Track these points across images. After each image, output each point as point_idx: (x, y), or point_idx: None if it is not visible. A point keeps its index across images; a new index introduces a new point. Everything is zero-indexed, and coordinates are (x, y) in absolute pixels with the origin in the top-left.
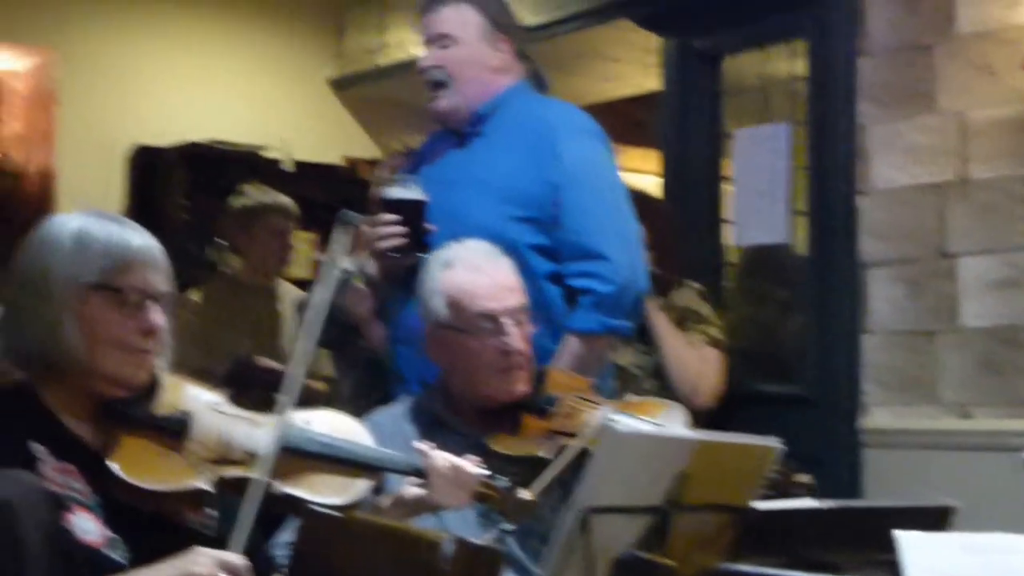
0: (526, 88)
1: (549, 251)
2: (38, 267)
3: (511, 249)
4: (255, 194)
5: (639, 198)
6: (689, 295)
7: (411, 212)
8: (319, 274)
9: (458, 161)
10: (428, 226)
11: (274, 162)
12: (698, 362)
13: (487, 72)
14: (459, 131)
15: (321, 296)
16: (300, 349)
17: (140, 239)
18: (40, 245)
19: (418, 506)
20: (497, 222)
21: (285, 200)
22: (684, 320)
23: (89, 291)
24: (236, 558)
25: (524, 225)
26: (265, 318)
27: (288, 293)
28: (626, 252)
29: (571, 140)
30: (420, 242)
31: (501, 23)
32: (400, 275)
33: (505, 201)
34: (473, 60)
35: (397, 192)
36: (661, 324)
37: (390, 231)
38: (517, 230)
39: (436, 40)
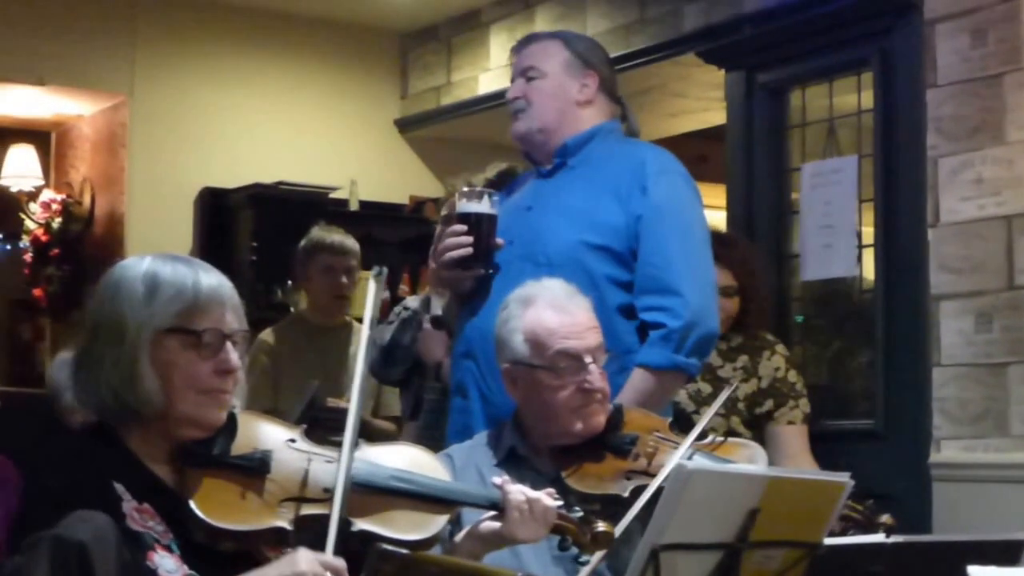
0: (617, 128)
1: (623, 284)
2: (111, 314)
3: (586, 277)
4: (315, 233)
5: (725, 240)
6: (778, 362)
7: (479, 225)
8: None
9: (542, 189)
10: (496, 241)
11: (340, 202)
12: (800, 448)
13: (570, 104)
14: (544, 162)
15: (364, 349)
16: (356, 387)
17: (211, 279)
18: (112, 291)
19: (495, 539)
20: (574, 247)
21: (339, 239)
22: (776, 395)
23: (165, 335)
24: (336, 559)
25: (601, 254)
26: (335, 357)
27: (361, 334)
28: (700, 291)
29: (661, 177)
30: (486, 256)
31: (588, 60)
32: (465, 288)
33: (585, 228)
34: (554, 91)
35: (468, 205)
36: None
37: (456, 241)
38: (593, 258)
39: (523, 73)
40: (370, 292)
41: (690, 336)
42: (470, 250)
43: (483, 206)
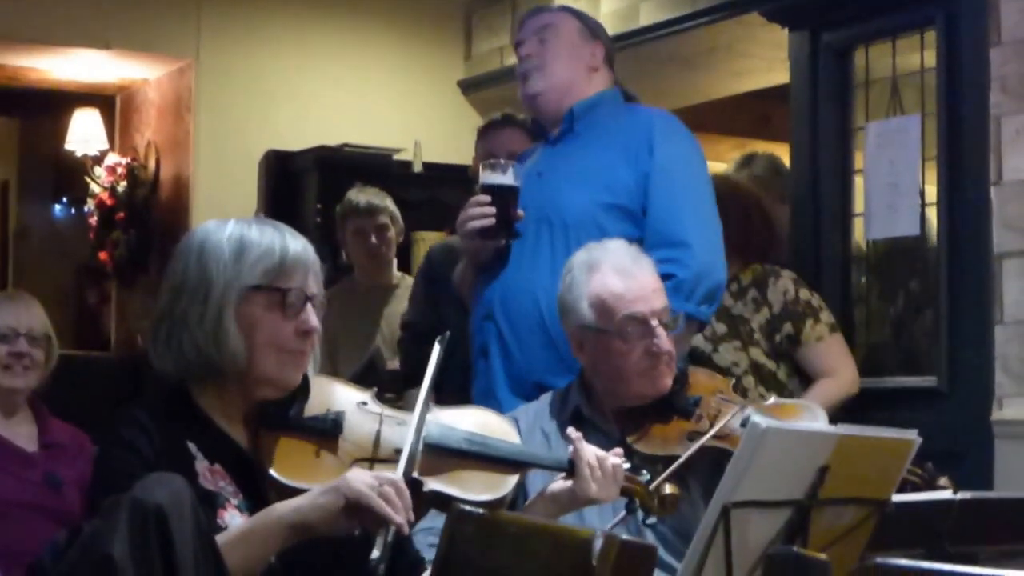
0: (619, 95)
1: (636, 242)
2: (197, 273)
3: (600, 236)
4: (346, 196)
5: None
6: (785, 286)
7: (502, 196)
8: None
9: (552, 156)
10: (517, 212)
11: (404, 164)
12: (840, 360)
13: (580, 68)
14: (551, 127)
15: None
16: (433, 359)
17: (297, 243)
18: (196, 252)
19: (567, 500)
20: (588, 208)
21: (366, 199)
22: (792, 316)
23: (251, 293)
24: (394, 476)
25: (615, 212)
26: (382, 318)
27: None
28: (707, 243)
29: (666, 136)
30: (507, 226)
31: (595, 31)
32: (485, 258)
33: (598, 189)
34: (567, 53)
35: (490, 176)
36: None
37: (479, 212)
38: (607, 217)
39: (535, 33)
40: (433, 355)
41: (700, 285)
42: (493, 220)
43: (507, 178)
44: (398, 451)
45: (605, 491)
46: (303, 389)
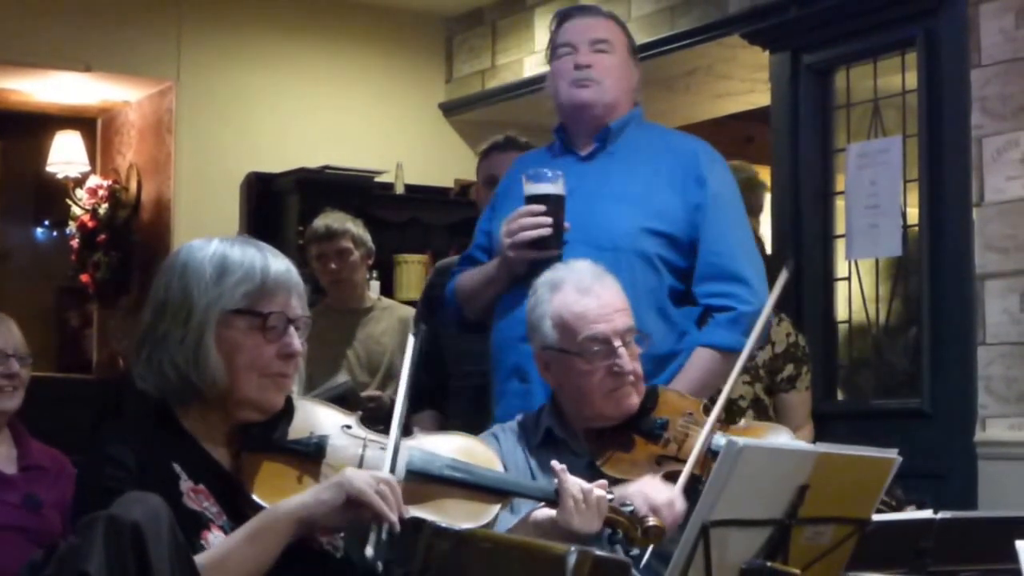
0: (641, 114)
1: (677, 270)
2: (178, 293)
3: (647, 262)
4: (314, 221)
5: None
6: (787, 328)
7: (554, 207)
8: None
9: (584, 174)
10: (565, 224)
11: (386, 186)
12: (808, 414)
13: (626, 88)
14: (577, 141)
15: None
16: (403, 382)
17: (279, 263)
18: (179, 271)
19: (549, 529)
20: (637, 233)
21: (325, 224)
22: (793, 359)
23: (232, 316)
24: (388, 476)
25: (661, 240)
26: (355, 340)
27: (392, 312)
28: (760, 278)
29: (713, 166)
30: (559, 238)
31: (635, 51)
32: (521, 271)
33: (646, 215)
34: (620, 72)
35: (539, 186)
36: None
37: (536, 221)
38: (653, 243)
39: (594, 43)
40: (408, 348)
41: (755, 322)
42: (549, 231)
43: (556, 187)
44: None
45: (588, 524)
46: (287, 411)
